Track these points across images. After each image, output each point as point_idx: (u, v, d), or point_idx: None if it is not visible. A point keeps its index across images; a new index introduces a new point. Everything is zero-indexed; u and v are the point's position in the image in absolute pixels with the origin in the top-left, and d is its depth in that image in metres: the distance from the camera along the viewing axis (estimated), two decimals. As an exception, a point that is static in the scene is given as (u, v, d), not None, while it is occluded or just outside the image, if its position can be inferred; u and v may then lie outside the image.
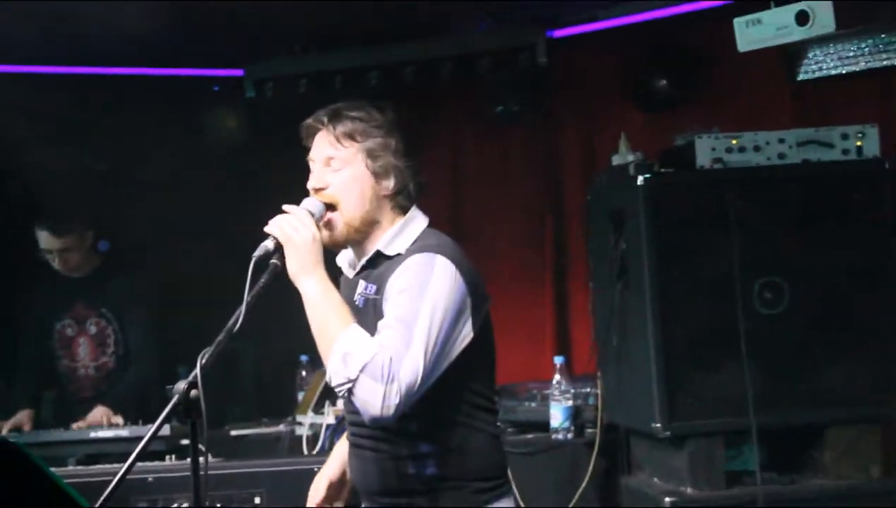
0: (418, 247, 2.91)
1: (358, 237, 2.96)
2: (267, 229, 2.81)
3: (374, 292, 2.90)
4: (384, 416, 2.70)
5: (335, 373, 2.73)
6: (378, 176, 2.94)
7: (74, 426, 4.44)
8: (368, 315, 2.86)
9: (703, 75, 5.36)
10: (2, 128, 4.97)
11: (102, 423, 4.41)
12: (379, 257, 2.95)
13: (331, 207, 2.92)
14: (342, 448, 3.18)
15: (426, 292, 2.80)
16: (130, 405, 4.59)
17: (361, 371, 2.69)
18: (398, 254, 2.91)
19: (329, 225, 2.92)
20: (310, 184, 2.95)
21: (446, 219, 4.30)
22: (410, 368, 2.72)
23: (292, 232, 2.79)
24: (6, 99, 4.93)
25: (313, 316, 2.82)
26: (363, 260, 2.99)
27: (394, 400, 2.69)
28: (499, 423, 4.74)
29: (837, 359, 4.23)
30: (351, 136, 2.93)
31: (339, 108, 2.98)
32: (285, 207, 2.87)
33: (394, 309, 2.79)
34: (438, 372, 2.80)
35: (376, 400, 2.69)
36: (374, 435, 2.93)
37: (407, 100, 5.24)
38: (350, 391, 2.72)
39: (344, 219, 2.92)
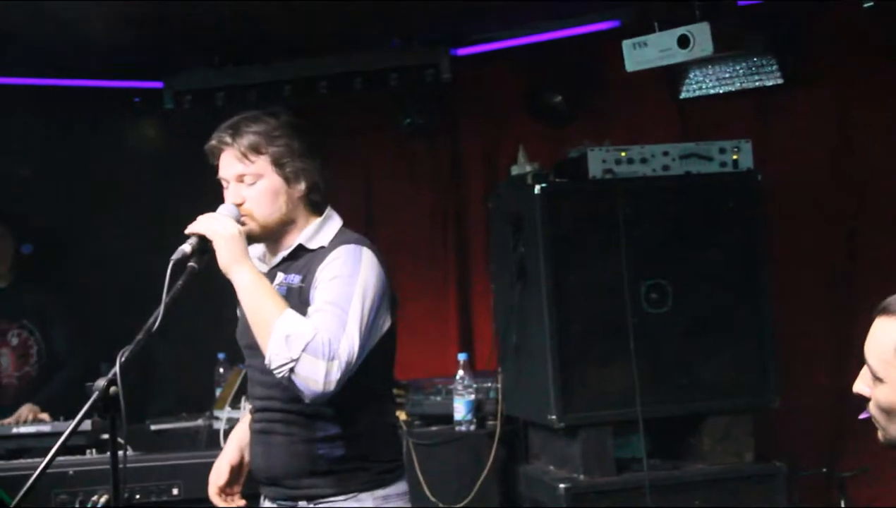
0: (342, 240, 2.94)
1: (274, 236, 2.95)
2: (190, 228, 2.78)
3: (298, 281, 2.90)
4: (326, 391, 2.70)
5: (276, 355, 2.72)
6: (289, 181, 2.93)
7: (4, 422, 4.34)
8: (292, 302, 2.84)
9: (595, 92, 5.36)
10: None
11: (29, 419, 4.32)
12: (301, 250, 2.95)
13: (245, 214, 2.90)
14: (240, 434, 3.13)
15: (356, 279, 2.83)
16: (57, 403, 4.50)
17: (304, 350, 2.69)
18: (321, 247, 2.92)
19: (247, 224, 2.89)
20: (230, 201, 2.92)
21: (359, 222, 4.25)
22: (347, 346, 2.73)
23: (218, 227, 2.77)
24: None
25: (248, 303, 2.81)
26: (282, 254, 2.97)
27: (335, 376, 2.70)
28: (405, 416, 4.74)
29: (714, 355, 4.29)
30: (256, 149, 2.90)
31: (237, 123, 2.96)
32: (201, 216, 2.83)
33: (326, 293, 2.81)
34: (367, 351, 2.81)
35: (319, 376, 2.69)
36: (286, 420, 2.94)
37: (320, 112, 5.22)
38: (291, 370, 2.70)
39: (259, 222, 2.90)
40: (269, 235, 2.96)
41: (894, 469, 4.79)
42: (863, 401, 2.19)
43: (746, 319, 4.33)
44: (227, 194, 2.91)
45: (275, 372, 2.75)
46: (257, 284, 2.79)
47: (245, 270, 2.78)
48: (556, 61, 5.37)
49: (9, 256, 4.83)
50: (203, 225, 2.77)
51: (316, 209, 3.00)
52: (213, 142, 2.94)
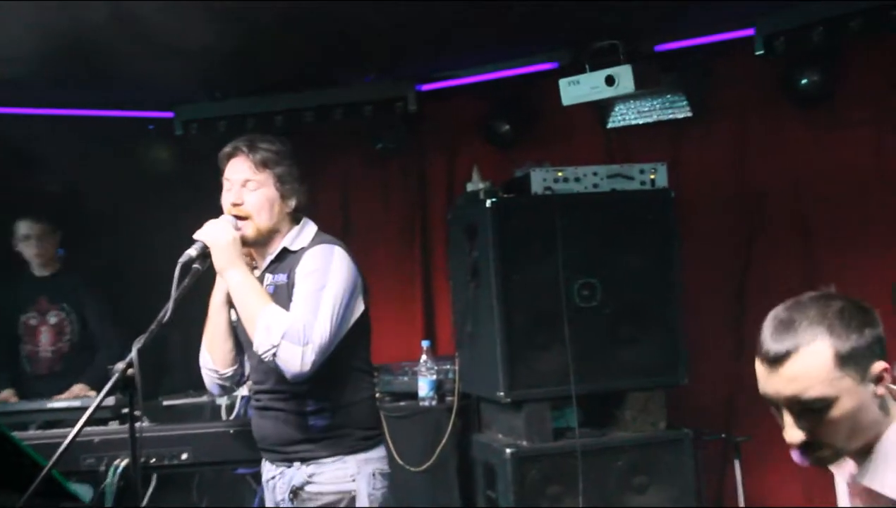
0: (318, 241, 2.95)
1: (262, 241, 2.95)
2: (196, 235, 2.80)
3: (284, 279, 2.90)
4: (303, 372, 2.73)
5: (261, 342, 2.74)
6: (284, 197, 2.95)
7: (55, 398, 4.30)
8: (281, 298, 2.86)
9: (537, 122, 5.35)
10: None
11: (79, 396, 4.29)
12: (284, 253, 2.96)
13: (244, 218, 2.91)
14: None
15: (328, 273, 2.84)
16: (101, 382, 4.44)
17: (282, 337, 2.71)
18: (301, 248, 2.93)
19: (244, 230, 2.90)
20: (229, 200, 2.93)
21: (337, 230, 4.26)
22: (320, 332, 2.75)
23: (217, 235, 2.79)
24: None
25: (238, 299, 2.82)
26: (269, 258, 2.97)
27: (310, 358, 2.72)
28: (378, 393, 4.78)
29: (634, 342, 4.28)
30: (265, 164, 2.92)
31: (253, 139, 2.98)
32: (207, 223, 2.84)
33: (302, 287, 2.82)
34: (340, 336, 2.83)
35: (296, 359, 2.72)
36: (280, 398, 2.94)
37: (306, 138, 5.20)
38: (274, 354, 2.72)
39: (255, 227, 2.91)
40: (261, 239, 2.95)
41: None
42: (802, 451, 1.88)
43: (660, 312, 4.30)
44: (229, 194, 2.92)
45: (262, 356, 2.77)
46: (246, 283, 2.80)
47: (236, 271, 2.79)
48: (504, 96, 5.37)
49: (53, 251, 4.82)
50: (205, 232, 2.79)
51: (296, 221, 3.01)
52: (229, 149, 2.96)
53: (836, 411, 1.81)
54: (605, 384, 4.27)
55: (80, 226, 5.03)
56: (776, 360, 1.81)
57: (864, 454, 1.91)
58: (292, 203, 2.96)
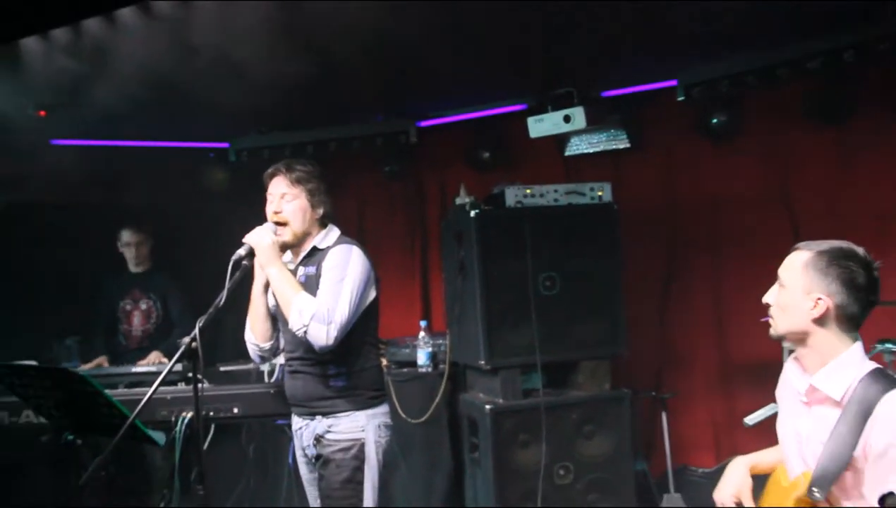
0: (340, 242, 2.95)
1: (298, 242, 2.95)
2: (245, 239, 2.81)
3: (314, 271, 2.90)
4: (328, 344, 2.74)
5: (294, 322, 2.75)
6: (314, 206, 2.96)
7: (138, 364, 4.37)
8: (311, 285, 2.86)
9: (510, 150, 5.36)
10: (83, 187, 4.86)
11: (156, 363, 4.36)
12: (314, 251, 2.96)
13: (283, 224, 2.92)
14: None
15: (348, 267, 2.84)
16: (174, 352, 4.43)
17: (311, 318, 2.71)
18: (327, 247, 2.94)
19: (282, 235, 2.90)
20: (271, 210, 2.94)
21: (353, 234, 4.24)
22: (340, 313, 2.76)
23: (259, 239, 2.81)
24: (86, 167, 4.77)
25: (276, 288, 2.82)
26: (302, 255, 2.96)
27: (333, 334, 2.74)
28: (385, 362, 4.79)
29: (586, 322, 4.28)
30: (299, 181, 2.93)
31: (290, 162, 3.00)
32: (253, 230, 2.85)
33: (327, 277, 2.83)
34: (356, 316, 2.83)
35: (322, 335, 2.73)
36: (307, 363, 2.93)
37: (331, 163, 5.18)
38: (305, 332, 2.72)
39: (292, 231, 2.92)
40: (297, 242, 2.95)
41: (696, 393, 4.92)
42: (764, 310, 2.12)
43: (606, 299, 4.31)
44: (271, 205, 2.94)
45: (296, 333, 2.78)
46: (282, 276, 2.80)
47: (275, 268, 2.80)
48: (485, 130, 5.38)
49: (147, 253, 4.85)
50: (252, 237, 2.81)
51: (324, 225, 3.01)
52: (271, 170, 2.98)
53: (783, 294, 2.07)
54: (562, 355, 4.28)
55: (163, 235, 5.02)
56: (794, 248, 2.09)
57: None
58: (320, 211, 2.97)
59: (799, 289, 2.01)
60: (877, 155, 4.26)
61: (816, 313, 2.01)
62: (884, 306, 2.28)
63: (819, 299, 2.00)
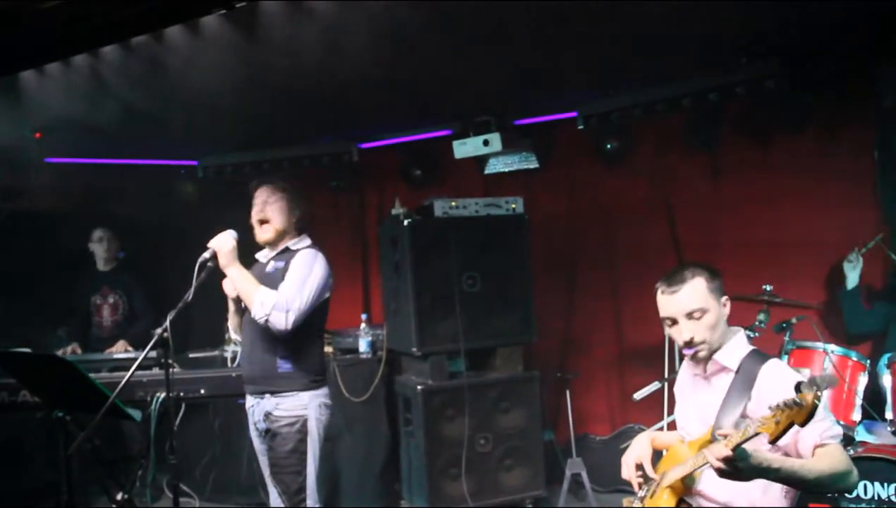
0: (307, 247, 3.03)
1: (277, 239, 2.99)
2: (209, 244, 2.83)
3: (282, 266, 2.95)
4: (286, 328, 2.80)
5: (256, 311, 2.76)
6: (292, 210, 3.00)
7: (106, 351, 4.32)
8: (276, 278, 2.90)
9: (438, 169, 5.34)
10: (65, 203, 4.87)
11: (121, 350, 4.32)
12: (287, 250, 3.02)
13: (266, 222, 2.95)
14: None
15: (313, 268, 2.90)
16: (138, 341, 4.42)
17: (273, 307, 2.73)
18: (297, 249, 3.00)
19: (265, 231, 2.94)
20: (256, 213, 2.98)
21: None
22: (299, 303, 2.81)
23: (222, 244, 2.83)
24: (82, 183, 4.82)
25: (238, 285, 2.85)
26: (276, 251, 2.99)
27: (290, 321, 2.79)
28: (332, 349, 4.82)
29: (502, 314, 4.31)
30: (282, 190, 3.00)
31: (270, 178, 3.07)
32: (217, 235, 2.86)
33: (292, 275, 2.88)
34: (311, 310, 2.86)
35: (281, 320, 2.77)
36: (259, 350, 2.92)
37: (283, 178, 5.22)
38: (266, 319, 2.73)
39: (274, 228, 2.96)
40: (277, 238, 2.99)
41: (594, 374, 4.98)
42: (690, 346, 2.09)
43: (519, 295, 4.33)
44: (256, 209, 2.98)
45: (258, 321, 2.81)
46: (241, 275, 2.84)
47: (235, 268, 2.83)
48: (417, 151, 5.36)
49: (114, 252, 4.81)
50: (215, 242, 2.84)
51: (299, 232, 3.06)
52: (256, 183, 3.04)
53: (708, 318, 2.10)
54: (482, 342, 4.29)
55: (133, 238, 4.96)
56: (674, 290, 2.10)
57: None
58: (297, 214, 3.03)
59: (715, 305, 2.14)
60: (738, 174, 4.51)
61: (727, 312, 2.20)
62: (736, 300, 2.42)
63: (726, 300, 2.20)
